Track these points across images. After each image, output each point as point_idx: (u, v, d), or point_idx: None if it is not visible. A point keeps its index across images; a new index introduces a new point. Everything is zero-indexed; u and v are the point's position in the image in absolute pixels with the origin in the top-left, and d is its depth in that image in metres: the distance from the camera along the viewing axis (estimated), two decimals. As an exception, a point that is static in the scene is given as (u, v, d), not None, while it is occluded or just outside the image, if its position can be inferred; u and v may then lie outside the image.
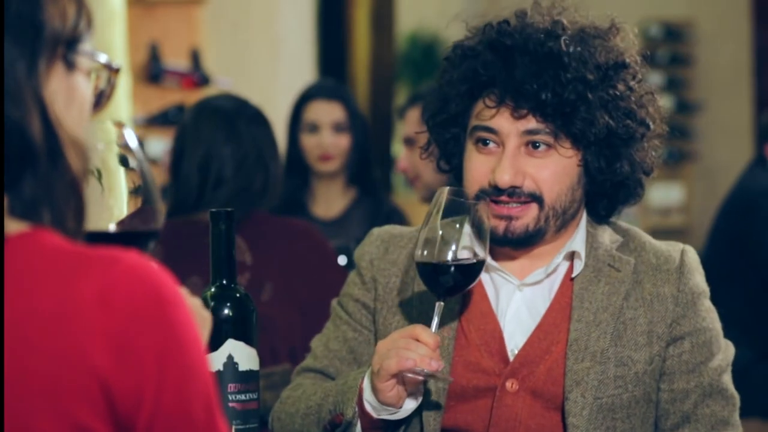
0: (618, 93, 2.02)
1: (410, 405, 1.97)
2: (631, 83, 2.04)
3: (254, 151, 2.97)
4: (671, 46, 9.25)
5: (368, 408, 1.96)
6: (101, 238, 1.42)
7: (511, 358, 2.04)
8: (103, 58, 1.35)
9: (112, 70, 1.37)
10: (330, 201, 4.12)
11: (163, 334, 1.23)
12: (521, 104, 1.99)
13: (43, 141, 1.25)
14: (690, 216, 9.10)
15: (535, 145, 2.01)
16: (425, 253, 1.94)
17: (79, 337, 1.21)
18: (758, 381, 3.68)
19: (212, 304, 1.91)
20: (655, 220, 8.74)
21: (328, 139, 4.05)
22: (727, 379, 2.07)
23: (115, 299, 1.21)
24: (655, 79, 8.96)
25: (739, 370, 2.10)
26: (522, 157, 2.01)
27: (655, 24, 9.16)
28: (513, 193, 2.00)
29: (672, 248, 2.11)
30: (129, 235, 1.43)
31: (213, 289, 1.92)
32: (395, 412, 1.96)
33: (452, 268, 1.93)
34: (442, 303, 1.95)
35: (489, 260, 2.03)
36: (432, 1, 9.84)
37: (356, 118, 4.11)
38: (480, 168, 2.03)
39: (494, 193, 2.00)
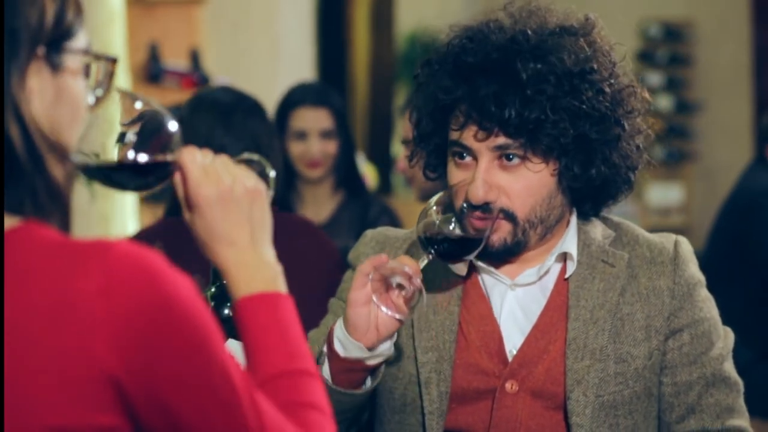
0: (586, 100, 1.98)
1: (384, 347, 1.96)
2: (602, 85, 2.01)
3: (251, 145, 2.96)
4: (671, 46, 9.25)
5: (337, 347, 1.95)
6: (125, 168, 1.42)
7: (510, 359, 2.05)
8: (96, 51, 1.35)
9: (109, 61, 1.36)
10: (318, 205, 4.10)
11: (166, 316, 1.24)
12: (486, 123, 1.99)
13: (23, 145, 1.25)
14: (690, 216, 9.09)
15: (508, 158, 2.01)
16: (424, 224, 1.99)
17: (82, 330, 1.21)
18: (758, 381, 3.67)
19: (212, 304, 1.91)
20: (655, 220, 8.73)
21: (316, 146, 4.01)
22: (729, 366, 2.08)
23: (117, 289, 1.22)
24: (655, 79, 8.96)
25: (739, 370, 2.10)
26: (495, 170, 2.01)
27: (654, 24, 9.16)
28: (485, 208, 2.00)
29: (665, 240, 2.11)
30: (151, 166, 1.44)
31: (213, 289, 1.92)
32: (369, 356, 1.95)
33: (446, 237, 1.97)
34: (429, 257, 1.96)
35: (480, 263, 2.07)
36: (432, 1, 9.83)
37: (343, 122, 4.09)
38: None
39: (470, 208, 2.00)
